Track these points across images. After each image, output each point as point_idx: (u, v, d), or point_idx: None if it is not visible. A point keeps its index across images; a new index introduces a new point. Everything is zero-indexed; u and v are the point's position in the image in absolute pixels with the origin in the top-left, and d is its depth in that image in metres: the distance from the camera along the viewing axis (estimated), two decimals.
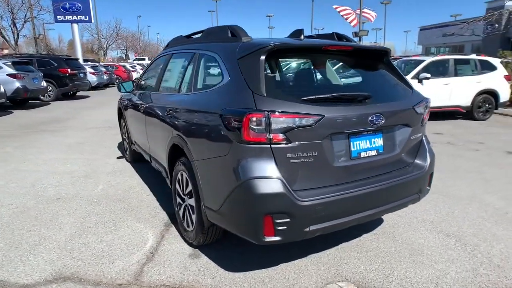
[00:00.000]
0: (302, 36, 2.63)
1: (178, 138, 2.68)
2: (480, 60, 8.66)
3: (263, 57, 2.13)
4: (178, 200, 2.95)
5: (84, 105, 12.53)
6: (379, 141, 2.33)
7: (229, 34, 2.54)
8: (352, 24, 39.92)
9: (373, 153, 2.30)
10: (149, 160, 3.83)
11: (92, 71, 18.04)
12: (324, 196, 2.06)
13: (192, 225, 2.68)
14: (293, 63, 2.41)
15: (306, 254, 2.67)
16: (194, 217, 2.62)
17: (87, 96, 15.58)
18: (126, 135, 5.01)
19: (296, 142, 1.99)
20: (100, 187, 4.17)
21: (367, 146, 2.27)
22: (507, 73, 8.73)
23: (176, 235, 2.99)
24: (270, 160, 1.97)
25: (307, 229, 2.05)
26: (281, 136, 1.96)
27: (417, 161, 2.60)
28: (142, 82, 4.26)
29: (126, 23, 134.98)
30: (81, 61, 19.41)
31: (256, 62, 2.12)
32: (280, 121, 1.95)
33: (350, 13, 38.39)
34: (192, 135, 2.46)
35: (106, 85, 20.71)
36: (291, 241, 2.10)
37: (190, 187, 2.64)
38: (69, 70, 13.84)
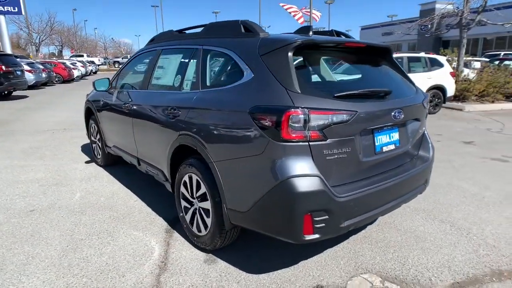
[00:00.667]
0: (311, 33, 2.63)
1: (188, 138, 2.53)
2: (429, 58, 9.40)
3: (291, 53, 2.08)
4: (184, 204, 2.80)
5: (26, 105, 11.37)
6: (396, 136, 2.41)
7: (242, 30, 2.45)
8: (300, 22, 41.11)
9: (392, 147, 2.37)
10: (137, 164, 3.58)
11: (29, 68, 16.43)
12: (356, 191, 2.08)
13: (206, 229, 2.56)
14: (315, 59, 2.37)
15: (321, 250, 2.69)
16: (209, 220, 2.50)
17: (25, 96, 14.17)
18: (98, 137, 4.63)
19: (332, 139, 1.98)
20: (77, 195, 3.81)
21: (387, 141, 2.33)
22: (452, 70, 9.59)
23: (183, 241, 2.83)
24: (308, 158, 1.94)
25: (342, 225, 2.05)
26: (318, 133, 1.94)
27: (422, 152, 2.73)
28: (122, 80, 3.96)
29: (61, 17, 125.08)
30: None
31: (285, 58, 2.07)
32: (318, 118, 1.92)
33: (296, 11, 39.44)
34: (211, 135, 2.32)
35: (45, 83, 19.01)
36: (327, 238, 2.09)
37: (203, 190, 2.51)
38: (3, 67, 12.47)
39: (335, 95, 2.03)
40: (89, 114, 4.91)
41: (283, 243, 2.62)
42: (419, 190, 2.64)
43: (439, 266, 2.49)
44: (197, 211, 2.65)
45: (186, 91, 2.77)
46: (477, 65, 13.51)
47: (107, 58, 55.69)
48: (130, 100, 3.49)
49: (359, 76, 2.50)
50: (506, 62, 12.26)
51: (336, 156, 2.01)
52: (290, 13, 39.51)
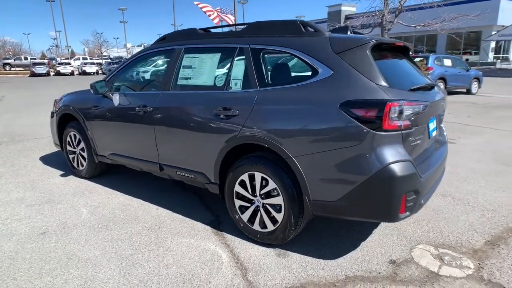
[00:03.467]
0: (349, 32, 2.87)
1: (254, 137, 2.54)
2: None
3: (369, 52, 2.29)
4: (240, 203, 2.79)
5: None
6: (434, 123, 2.79)
7: (303, 29, 2.56)
8: (215, 22, 41.25)
9: (435, 133, 2.75)
10: (158, 169, 3.37)
11: None
12: (427, 172, 2.39)
13: (275, 225, 2.61)
14: (378, 57, 2.58)
15: (370, 231, 2.95)
16: (280, 215, 2.56)
17: None
18: (81, 147, 4.19)
19: (415, 127, 2.25)
20: (84, 210, 3.44)
21: (433, 127, 2.70)
22: None
23: (239, 241, 2.82)
24: (401, 145, 2.17)
25: (421, 202, 2.34)
26: (408, 122, 2.18)
27: (441, 138, 3.19)
28: (124, 82, 3.67)
29: None
30: None
31: (366, 56, 2.27)
32: (409, 109, 2.17)
33: (211, 11, 39.49)
34: (287, 131, 2.39)
35: None
36: (413, 215, 2.35)
37: (271, 186, 2.56)
38: None
39: (411, 88, 2.30)
40: (65, 122, 4.40)
41: (332, 231, 2.85)
42: (444, 171, 3.08)
43: (467, 231, 2.96)
44: (260, 208, 2.68)
45: (236, 90, 2.76)
46: None
47: None
48: (148, 103, 3.28)
49: (400, 71, 2.80)
50: (416, 59, 14.26)
51: (416, 142, 2.29)
52: (205, 12, 39.46)
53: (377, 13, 13.18)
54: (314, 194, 2.37)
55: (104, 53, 52.94)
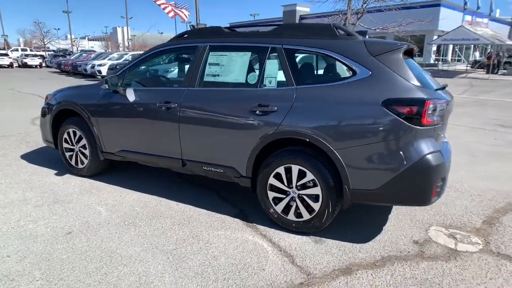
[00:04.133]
0: (367, 36, 3.13)
1: (293, 132, 2.70)
2: None
3: (401, 55, 2.56)
4: (274, 195, 2.94)
5: None
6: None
7: (337, 32, 2.76)
8: (170, 15, 40.15)
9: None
10: (180, 165, 3.38)
11: None
12: (447, 161, 2.72)
13: (312, 214, 2.80)
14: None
15: (386, 217, 3.26)
16: (317, 205, 2.75)
17: None
18: (82, 144, 4.04)
19: (442, 122, 2.56)
20: (101, 209, 3.36)
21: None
22: None
23: (274, 231, 2.97)
24: (432, 138, 2.47)
25: (444, 188, 2.67)
26: (438, 118, 2.48)
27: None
28: (139, 78, 3.61)
29: None
30: None
31: (400, 59, 2.54)
32: (440, 106, 2.46)
33: (166, 4, 38.40)
34: (329, 126, 2.58)
35: None
36: (439, 199, 2.66)
37: (309, 178, 2.74)
38: None
39: (436, 88, 2.60)
40: (61, 118, 4.20)
41: (354, 218, 3.12)
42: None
43: (465, 213, 3.38)
44: (296, 198, 2.85)
45: (272, 88, 2.89)
46: None
47: None
48: (171, 99, 3.28)
49: (420, 72, 3.09)
50: None
51: (440, 135, 2.61)
52: (159, 5, 38.27)
53: (340, 15, 13.85)
54: (355, 183, 2.60)
55: (48, 45, 49.03)
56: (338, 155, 2.59)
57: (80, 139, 4.10)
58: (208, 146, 3.18)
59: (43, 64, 34.33)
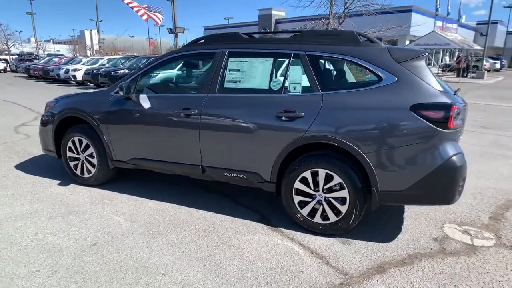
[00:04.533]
0: (382, 43, 3.28)
1: (321, 137, 2.78)
2: None
3: (424, 61, 2.71)
4: (299, 199, 3.01)
5: None
6: None
7: (359, 39, 2.88)
8: (144, 18, 39.59)
9: None
10: (200, 172, 3.38)
11: None
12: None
13: (338, 216, 2.89)
14: None
15: (402, 216, 3.40)
16: (344, 207, 2.84)
17: None
18: (89, 153, 3.94)
19: (462, 125, 2.73)
20: (119, 219, 3.29)
21: None
22: None
23: (300, 234, 3.03)
24: (455, 140, 2.63)
25: (464, 187, 2.83)
26: (461, 121, 2.65)
27: None
28: (152, 85, 3.57)
29: None
30: None
31: (424, 65, 2.69)
32: (462, 111, 2.63)
33: (138, 7, 37.82)
34: (357, 130, 2.69)
35: None
36: (459, 198, 2.82)
37: (336, 181, 2.83)
38: None
39: (454, 93, 2.77)
40: (64, 126, 4.08)
41: (374, 219, 3.24)
42: None
43: (472, 211, 3.59)
44: (322, 202, 2.93)
45: (297, 94, 2.96)
46: None
47: None
48: (190, 105, 3.27)
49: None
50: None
51: (459, 137, 2.77)
52: (131, 8, 37.65)
53: (322, 20, 14.17)
54: (383, 185, 2.71)
55: (11, 48, 46.70)
56: (367, 159, 2.69)
57: (87, 147, 3.99)
58: (230, 152, 3.20)
59: (7, 69, 32.72)
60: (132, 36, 71.36)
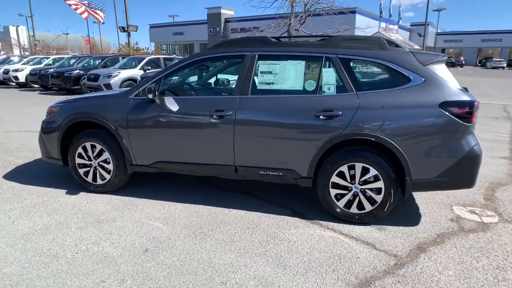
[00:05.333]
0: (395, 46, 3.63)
1: (361, 133, 3.02)
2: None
3: (444, 63, 3.07)
4: (336, 192, 3.23)
5: None
6: None
7: (386, 44, 3.17)
8: (84, 16, 37.33)
9: None
10: (233, 172, 3.45)
11: None
12: None
13: (374, 205, 3.16)
14: None
15: (412, 202, 3.79)
16: (379, 197, 3.12)
17: None
18: (103, 159, 3.80)
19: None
20: (157, 224, 3.25)
21: None
22: None
23: (337, 224, 3.25)
24: (473, 132, 3.03)
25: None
26: (476, 117, 3.05)
27: None
28: (179, 88, 3.53)
29: None
30: None
31: (445, 67, 3.05)
32: (479, 106, 3.03)
33: (77, 5, 35.61)
34: (392, 126, 2.97)
35: None
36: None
37: (372, 173, 3.09)
38: None
39: (467, 91, 3.18)
40: (73, 131, 3.88)
41: (395, 206, 3.54)
42: None
43: (468, 194, 4.09)
44: (358, 193, 3.18)
45: (333, 94, 3.17)
46: None
47: None
48: (224, 107, 3.33)
49: None
50: None
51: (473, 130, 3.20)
52: (70, 5, 35.35)
53: (284, 20, 14.53)
54: (416, 174, 3.03)
55: None
56: (403, 151, 2.99)
57: (101, 153, 3.83)
58: (266, 151, 3.32)
59: None
60: (67, 34, 66.24)
